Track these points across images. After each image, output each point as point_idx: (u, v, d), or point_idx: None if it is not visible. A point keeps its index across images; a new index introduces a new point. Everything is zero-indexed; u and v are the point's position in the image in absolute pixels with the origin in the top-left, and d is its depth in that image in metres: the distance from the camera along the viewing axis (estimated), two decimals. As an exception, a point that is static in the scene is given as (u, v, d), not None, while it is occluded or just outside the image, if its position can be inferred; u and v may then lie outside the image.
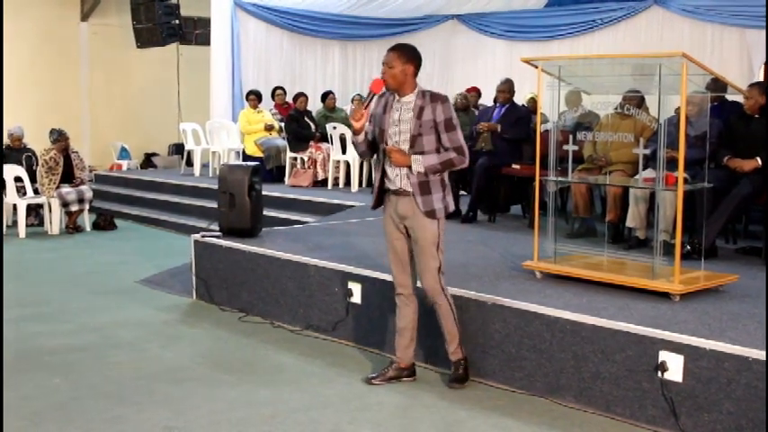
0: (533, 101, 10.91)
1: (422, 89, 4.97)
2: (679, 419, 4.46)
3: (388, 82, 4.92)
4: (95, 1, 17.33)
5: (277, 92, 14.48)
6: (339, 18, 16.26)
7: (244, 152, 13.41)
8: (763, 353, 4.22)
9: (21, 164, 11.65)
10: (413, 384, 5.27)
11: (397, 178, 4.97)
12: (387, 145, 4.96)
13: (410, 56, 4.94)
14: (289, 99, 14.24)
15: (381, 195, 5.13)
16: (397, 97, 4.98)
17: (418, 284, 5.16)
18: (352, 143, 5.21)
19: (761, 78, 11.27)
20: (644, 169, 6.16)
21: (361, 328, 6.10)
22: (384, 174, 5.05)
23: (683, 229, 5.63)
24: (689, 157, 5.82)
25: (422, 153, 4.88)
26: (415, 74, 4.96)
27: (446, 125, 4.88)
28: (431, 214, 4.93)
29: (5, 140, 12.05)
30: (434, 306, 5.12)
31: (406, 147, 4.90)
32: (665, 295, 5.34)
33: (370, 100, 4.99)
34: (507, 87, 9.30)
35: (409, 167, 4.90)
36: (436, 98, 4.92)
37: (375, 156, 5.21)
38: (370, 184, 12.05)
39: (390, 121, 4.96)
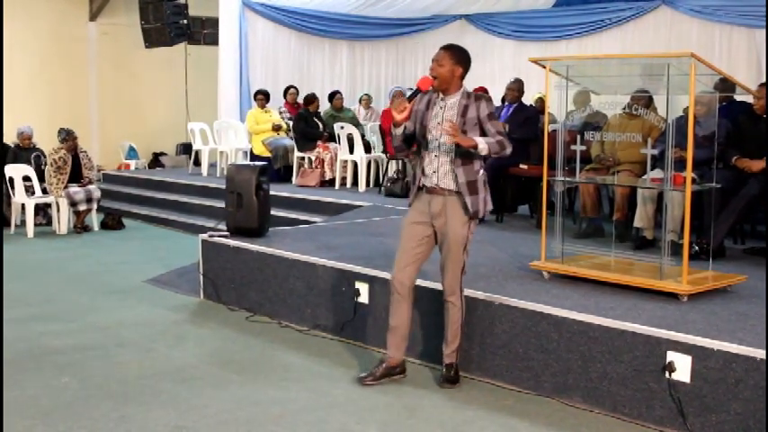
0: (541, 100, 10.91)
1: (466, 90, 5.04)
2: (687, 420, 4.45)
3: (436, 79, 4.95)
4: (104, 1, 17.37)
5: (290, 90, 14.51)
6: (347, 18, 16.27)
7: (251, 152, 13.41)
8: (772, 354, 4.22)
9: (29, 163, 11.69)
10: (420, 384, 5.26)
11: (434, 175, 5.00)
12: (428, 144, 5.00)
13: (461, 58, 5.00)
14: (299, 99, 14.24)
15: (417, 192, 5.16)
16: (441, 96, 5.02)
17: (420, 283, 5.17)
18: (390, 135, 5.22)
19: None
20: (652, 169, 6.16)
21: (368, 327, 6.09)
22: (423, 170, 5.07)
23: (691, 229, 5.62)
24: (697, 157, 5.81)
25: (467, 150, 4.90)
26: (463, 77, 5.03)
27: (489, 117, 4.96)
28: (476, 215, 4.99)
29: (15, 140, 12.09)
30: (447, 304, 5.13)
31: (449, 144, 4.93)
32: (672, 296, 5.33)
33: (415, 95, 5.01)
34: (517, 86, 9.33)
35: (473, 148, 4.87)
36: (480, 97, 5.00)
37: (416, 152, 5.22)
38: (377, 183, 12.07)
39: (433, 118, 4.99)
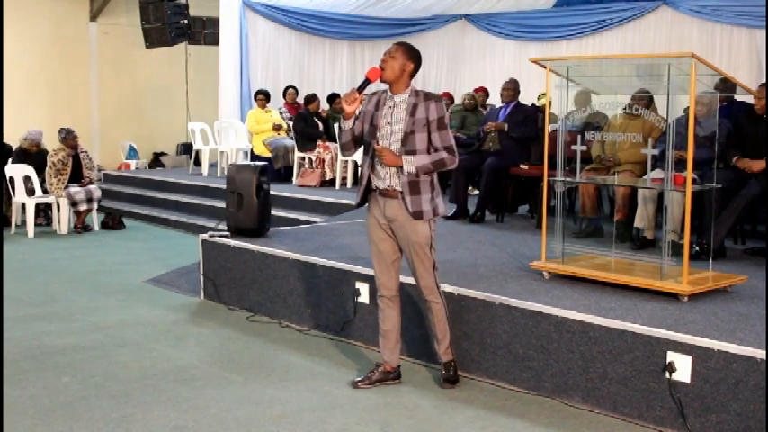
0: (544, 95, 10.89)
1: (415, 89, 4.97)
2: (687, 420, 4.45)
3: (385, 71, 4.90)
4: (104, 1, 17.38)
5: (288, 91, 14.51)
6: (348, 18, 16.28)
7: (252, 152, 13.43)
8: (772, 354, 4.22)
9: (33, 166, 11.65)
10: (420, 384, 5.27)
11: (387, 176, 4.94)
12: (378, 142, 4.93)
13: (413, 55, 4.95)
14: (298, 99, 14.25)
15: (367, 193, 5.10)
16: (390, 95, 4.97)
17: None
18: (339, 129, 5.16)
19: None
20: (652, 170, 6.16)
21: (368, 327, 6.09)
22: (373, 170, 5.01)
23: (692, 229, 5.62)
24: (697, 157, 5.81)
25: (413, 151, 4.85)
26: (412, 75, 4.97)
27: (438, 124, 4.87)
28: (418, 215, 4.89)
29: (21, 143, 12.01)
30: (429, 304, 5.10)
31: (398, 144, 4.87)
32: (673, 296, 5.33)
33: (365, 86, 4.91)
34: (512, 86, 9.31)
35: (400, 168, 4.86)
36: (430, 97, 4.92)
37: (363, 152, 5.17)
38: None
39: (383, 118, 4.94)
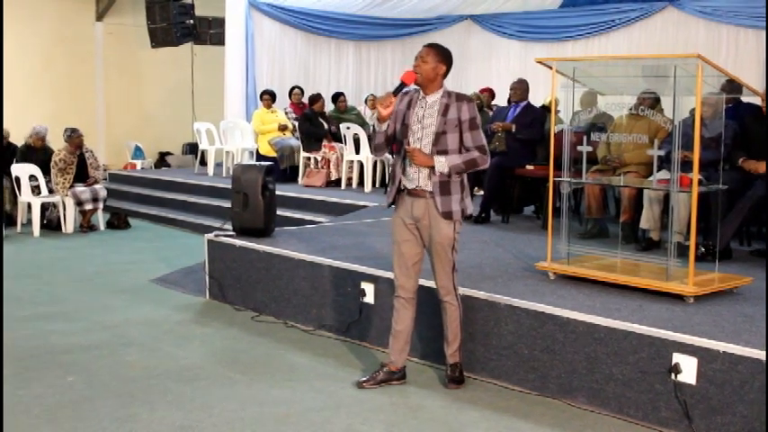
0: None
1: (447, 89, 5.00)
2: (692, 422, 4.44)
3: (418, 75, 4.93)
4: (110, 1, 17.40)
5: (294, 91, 14.52)
6: (353, 18, 16.28)
7: (257, 152, 13.44)
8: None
9: (38, 163, 11.66)
10: (424, 385, 5.27)
11: (416, 176, 4.96)
12: (409, 143, 4.95)
13: (444, 57, 5.00)
14: (304, 99, 14.25)
15: (398, 194, 5.12)
16: (422, 95, 5.00)
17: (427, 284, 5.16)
18: (373, 131, 5.17)
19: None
20: (658, 171, 6.15)
21: (374, 328, 6.09)
22: (403, 172, 5.04)
23: (698, 230, 5.61)
24: (703, 158, 5.80)
25: (445, 151, 4.88)
26: (445, 76, 5.01)
27: (470, 124, 4.91)
28: (448, 215, 4.92)
29: (27, 139, 12.02)
30: (444, 305, 5.11)
31: (429, 144, 4.90)
32: (678, 297, 5.32)
33: (400, 89, 4.96)
34: (520, 86, 9.29)
35: (432, 168, 4.89)
36: (462, 98, 4.96)
37: (393, 152, 5.19)
38: (383, 184, 12.05)
39: (415, 118, 4.96)
